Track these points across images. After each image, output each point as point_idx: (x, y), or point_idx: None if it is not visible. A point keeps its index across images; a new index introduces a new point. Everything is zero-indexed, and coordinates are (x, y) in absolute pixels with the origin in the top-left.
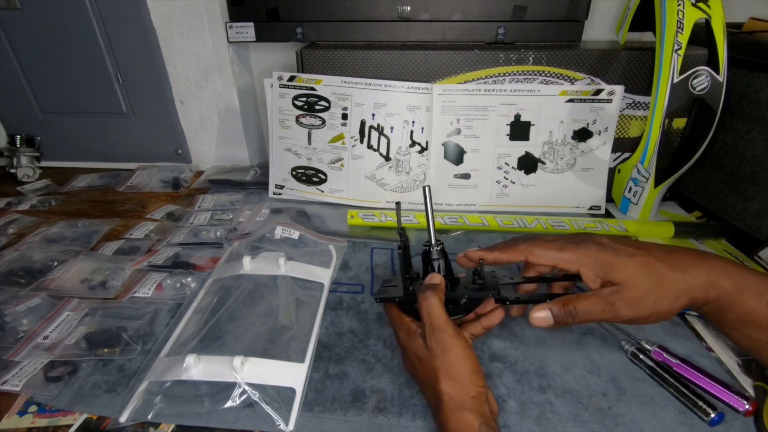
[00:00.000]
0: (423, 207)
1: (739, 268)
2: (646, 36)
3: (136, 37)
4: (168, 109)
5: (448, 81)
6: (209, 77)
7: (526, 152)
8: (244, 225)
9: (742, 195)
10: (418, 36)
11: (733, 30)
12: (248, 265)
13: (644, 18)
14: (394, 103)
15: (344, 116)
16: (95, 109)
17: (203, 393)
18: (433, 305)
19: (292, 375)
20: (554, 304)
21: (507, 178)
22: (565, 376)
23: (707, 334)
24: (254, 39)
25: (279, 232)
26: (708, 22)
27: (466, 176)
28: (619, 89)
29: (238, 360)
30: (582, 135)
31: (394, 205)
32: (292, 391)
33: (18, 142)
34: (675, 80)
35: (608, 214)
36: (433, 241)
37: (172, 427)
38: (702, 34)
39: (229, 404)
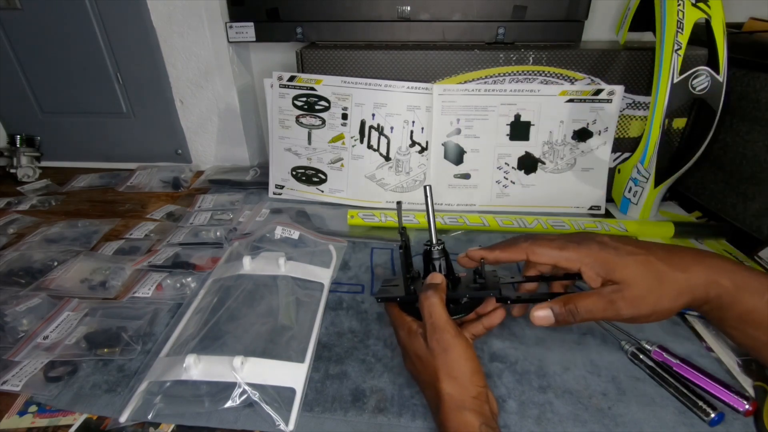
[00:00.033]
0: (423, 207)
1: (739, 267)
2: (646, 36)
3: (136, 37)
4: (168, 109)
5: (448, 81)
6: (209, 77)
7: (526, 152)
8: (244, 225)
9: (742, 195)
10: (418, 36)
11: (733, 30)
12: (248, 265)
13: (644, 18)
14: (394, 103)
15: (344, 116)
16: (95, 109)
17: (203, 393)
18: (434, 305)
19: (292, 375)
20: (555, 303)
21: (507, 178)
22: (565, 376)
23: (707, 334)
24: (254, 39)
25: (279, 232)
26: (708, 22)
27: (466, 176)
28: (619, 89)
29: (238, 360)
30: (582, 135)
31: (394, 205)
32: (292, 391)
33: (18, 142)
34: (675, 80)
35: (608, 214)
36: (434, 241)
37: (172, 427)
38: (702, 34)
39: (229, 404)
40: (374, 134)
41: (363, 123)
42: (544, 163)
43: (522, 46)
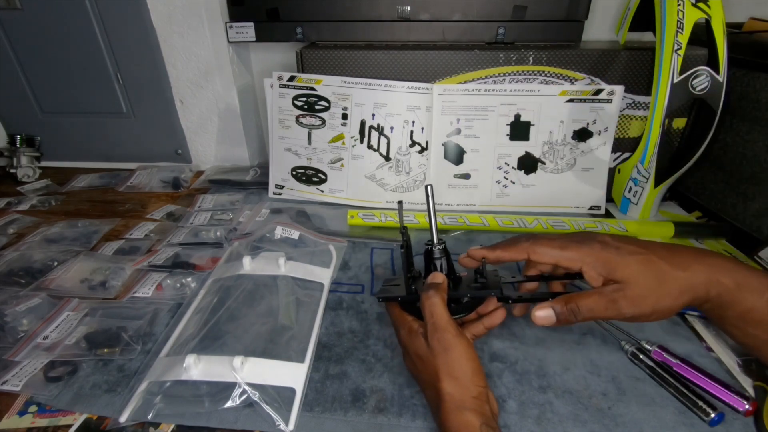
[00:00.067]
0: (423, 207)
1: (740, 266)
2: (646, 36)
3: (136, 37)
4: (168, 109)
5: (448, 81)
6: (209, 77)
7: (526, 152)
8: (244, 225)
9: (742, 195)
10: (418, 36)
11: (733, 30)
12: (248, 265)
13: (644, 18)
14: (394, 103)
15: (344, 116)
16: (95, 109)
17: (203, 393)
18: (435, 304)
19: (292, 375)
20: (556, 303)
21: (507, 178)
22: (565, 376)
23: (707, 334)
24: (254, 39)
25: (279, 232)
26: (708, 22)
27: (466, 176)
28: (619, 89)
29: (238, 360)
30: (582, 135)
31: (394, 205)
32: (292, 391)
33: (18, 142)
34: (675, 80)
35: (608, 214)
36: (435, 240)
37: (172, 427)
38: (702, 34)
39: (229, 404)
40: (374, 134)
41: (363, 123)
42: (544, 163)
43: (522, 46)
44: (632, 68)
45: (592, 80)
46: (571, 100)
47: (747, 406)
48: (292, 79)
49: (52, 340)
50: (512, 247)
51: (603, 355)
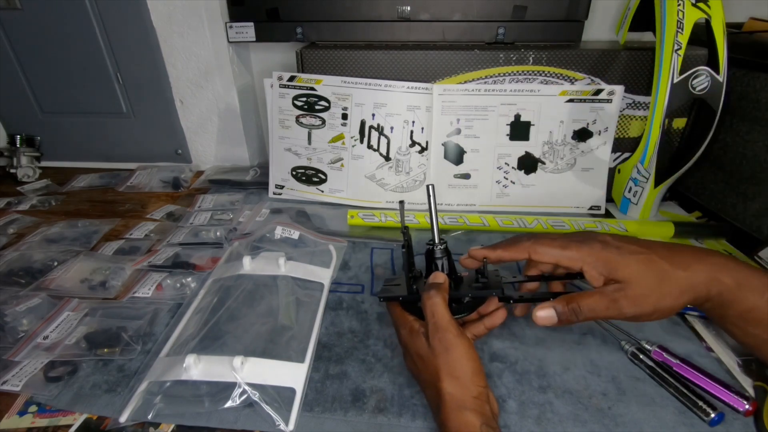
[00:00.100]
0: (423, 207)
1: (741, 265)
2: (646, 36)
3: (136, 37)
4: (168, 109)
5: (448, 81)
6: (209, 77)
7: (526, 152)
8: (244, 225)
9: (742, 195)
10: (418, 36)
11: (733, 30)
12: (248, 265)
13: (644, 18)
14: (394, 103)
15: (344, 116)
16: (95, 109)
17: (203, 393)
18: (436, 304)
19: (292, 375)
20: (558, 303)
21: (507, 178)
22: (565, 376)
23: (707, 334)
24: (254, 39)
25: (279, 232)
26: (708, 22)
27: (466, 176)
28: (619, 89)
29: (238, 360)
30: (582, 135)
31: (393, 205)
32: (292, 391)
33: (18, 142)
34: (675, 80)
35: (608, 214)
36: (437, 240)
37: (172, 427)
38: (702, 34)
39: (229, 404)
40: (374, 134)
41: (363, 123)
42: (544, 163)
43: (522, 46)
44: (632, 68)
45: (592, 80)
46: (571, 100)
47: (747, 406)
48: (292, 79)
49: (52, 340)
50: (513, 247)
51: (603, 355)
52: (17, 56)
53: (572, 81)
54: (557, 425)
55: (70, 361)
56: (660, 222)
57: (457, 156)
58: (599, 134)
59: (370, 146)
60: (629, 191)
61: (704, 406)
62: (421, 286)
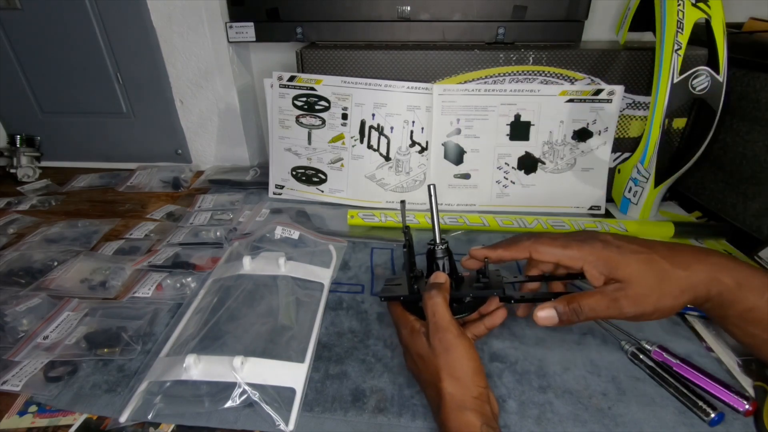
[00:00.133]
0: (422, 207)
1: (741, 265)
2: (646, 36)
3: (136, 37)
4: (168, 109)
5: (448, 81)
6: (209, 77)
7: (526, 152)
8: (244, 225)
9: (742, 195)
10: (418, 36)
11: (733, 30)
12: (248, 265)
13: (644, 18)
14: (394, 103)
15: (344, 116)
16: (95, 109)
17: (203, 393)
18: (437, 304)
19: (292, 375)
20: (558, 303)
21: (507, 178)
22: (565, 376)
23: (707, 334)
24: (254, 39)
25: (279, 232)
26: (708, 22)
27: (466, 176)
28: (619, 89)
29: (238, 360)
30: (582, 135)
31: (393, 205)
32: (292, 391)
33: (18, 142)
34: (675, 80)
35: (608, 214)
36: (438, 240)
37: (172, 427)
38: (702, 34)
39: (229, 404)
40: (374, 134)
41: (363, 123)
42: (544, 163)
43: (522, 46)
44: (632, 68)
45: (592, 80)
46: (571, 100)
47: (747, 406)
48: (292, 79)
49: (52, 340)
50: (514, 246)
51: (603, 355)
52: (17, 56)
53: (572, 81)
54: (557, 425)
55: (70, 361)
56: (660, 222)
57: (457, 156)
58: (599, 134)
59: (370, 146)
60: (629, 191)
61: (704, 406)
62: (422, 286)
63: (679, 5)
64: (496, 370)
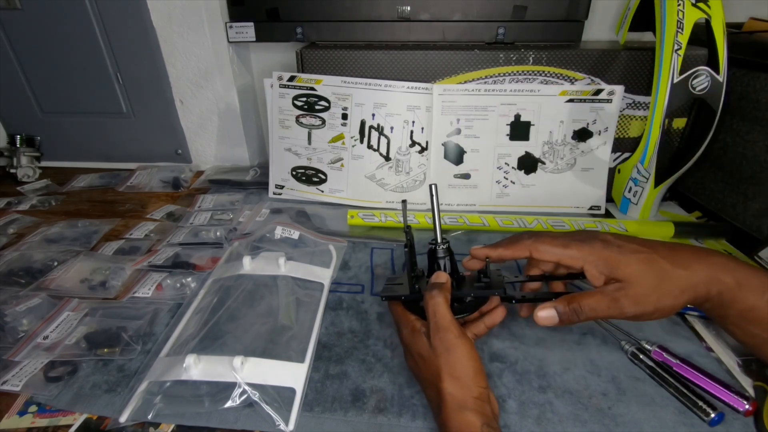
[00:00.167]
0: (422, 207)
1: (741, 265)
2: (646, 36)
3: (136, 37)
4: (168, 109)
5: (448, 81)
6: (209, 77)
7: (526, 152)
8: (244, 225)
9: (742, 195)
10: (418, 36)
11: (733, 30)
12: (248, 265)
13: (644, 18)
14: (394, 103)
15: (344, 116)
16: (95, 109)
17: (203, 393)
18: (438, 304)
19: (292, 375)
20: (559, 303)
21: (507, 178)
22: (565, 376)
23: (707, 334)
24: (254, 39)
25: (279, 232)
26: (708, 22)
27: (466, 176)
28: (619, 89)
29: (238, 360)
30: (582, 135)
31: (393, 206)
32: (292, 391)
33: (18, 142)
34: (675, 80)
35: (608, 214)
36: (439, 240)
37: (172, 427)
38: (702, 34)
39: (229, 404)
40: (374, 134)
41: (363, 123)
42: (544, 163)
43: (522, 46)
44: (632, 68)
45: (592, 80)
46: (571, 100)
47: (747, 406)
48: (292, 79)
49: (52, 340)
50: (514, 245)
51: (603, 355)
52: (17, 56)
53: (572, 81)
54: (557, 425)
55: (70, 361)
56: (660, 222)
57: (457, 156)
58: (599, 134)
59: (370, 146)
60: (629, 191)
61: (704, 406)
62: (423, 286)
63: (679, 5)
64: (496, 370)
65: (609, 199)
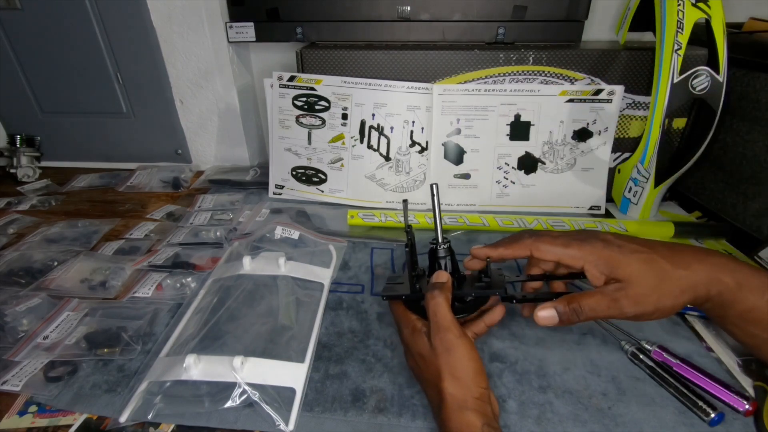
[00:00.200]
0: (422, 207)
1: (741, 265)
2: (646, 36)
3: (136, 37)
4: (168, 109)
5: (448, 81)
6: (209, 77)
7: (526, 152)
8: (244, 225)
9: (742, 195)
10: (418, 36)
11: (733, 30)
12: (248, 265)
13: (644, 18)
14: (394, 103)
15: (344, 116)
16: (95, 109)
17: (203, 393)
18: (439, 304)
19: (292, 375)
20: (559, 303)
21: (507, 178)
22: (565, 376)
23: (707, 334)
24: (254, 39)
25: (279, 232)
26: (708, 22)
27: (466, 176)
28: (619, 89)
29: (238, 360)
30: (582, 135)
31: (393, 206)
32: (292, 391)
33: (18, 142)
34: (675, 80)
35: (608, 214)
36: (440, 239)
37: (172, 427)
38: (702, 34)
39: (229, 404)
40: (374, 134)
41: (363, 123)
42: (544, 163)
43: (522, 46)
44: (632, 68)
45: (592, 80)
46: (571, 100)
47: (747, 406)
48: (292, 79)
49: (52, 340)
50: (515, 244)
51: (603, 355)
52: (17, 56)
53: (572, 81)
54: (557, 425)
55: (70, 361)
56: (660, 222)
57: (457, 156)
58: (599, 134)
59: (370, 146)
60: (629, 191)
61: (704, 406)
62: (424, 285)
63: (679, 5)
64: (496, 370)
65: (609, 199)
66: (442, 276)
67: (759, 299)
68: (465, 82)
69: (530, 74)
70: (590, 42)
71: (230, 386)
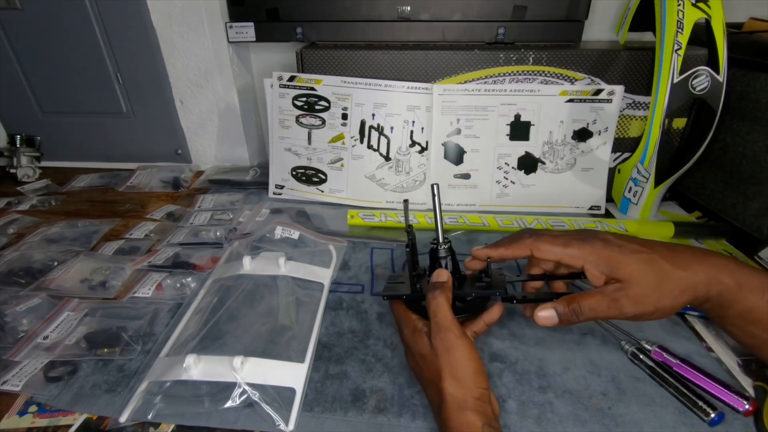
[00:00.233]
0: (422, 207)
1: (741, 266)
2: (646, 36)
3: (136, 37)
4: (168, 109)
5: (448, 81)
6: (209, 77)
7: (526, 152)
8: (244, 225)
9: (742, 195)
10: (418, 36)
11: (733, 30)
12: (248, 265)
13: (644, 18)
14: (394, 103)
15: (344, 116)
16: (95, 109)
17: (203, 393)
18: (440, 305)
19: (292, 375)
20: (558, 303)
21: (507, 178)
22: (565, 376)
23: (707, 334)
24: (254, 39)
25: (279, 232)
26: (708, 22)
27: (466, 176)
28: (619, 89)
29: (238, 360)
30: (582, 135)
31: (393, 206)
32: (292, 391)
33: (18, 142)
34: (675, 80)
35: (608, 214)
36: (441, 239)
37: (172, 427)
38: (702, 34)
39: (229, 404)
40: (374, 134)
41: (363, 123)
42: (544, 163)
43: (522, 46)
44: (632, 68)
45: (592, 80)
46: (571, 100)
47: (747, 406)
48: (292, 79)
49: (52, 340)
50: (515, 244)
51: (603, 355)
52: (17, 56)
53: (572, 81)
54: (557, 425)
55: (70, 361)
56: (660, 222)
57: (457, 156)
58: (599, 134)
59: (370, 146)
60: (629, 191)
61: (704, 406)
62: (425, 285)
63: (679, 5)
64: (496, 370)
65: (609, 199)
66: (443, 275)
67: (759, 299)
68: (465, 82)
69: (530, 74)
70: (590, 42)
71: (230, 386)
